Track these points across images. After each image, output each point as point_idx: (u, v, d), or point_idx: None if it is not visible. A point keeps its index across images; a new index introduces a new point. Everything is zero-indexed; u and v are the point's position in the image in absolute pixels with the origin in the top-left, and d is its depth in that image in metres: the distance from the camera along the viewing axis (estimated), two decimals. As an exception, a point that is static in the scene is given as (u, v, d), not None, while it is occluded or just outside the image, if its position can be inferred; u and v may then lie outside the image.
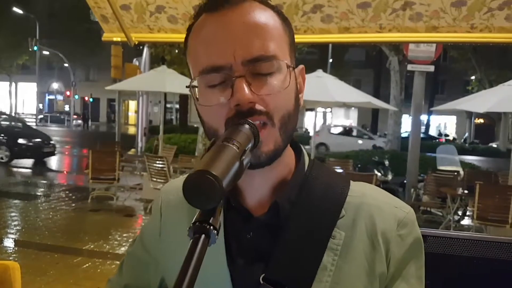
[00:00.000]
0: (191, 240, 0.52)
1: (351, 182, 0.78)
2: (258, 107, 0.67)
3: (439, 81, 35.40)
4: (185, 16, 3.27)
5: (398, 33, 2.88)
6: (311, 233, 0.71)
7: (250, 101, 0.66)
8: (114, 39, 3.78)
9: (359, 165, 9.50)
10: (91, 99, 42.24)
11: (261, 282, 0.69)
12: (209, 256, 0.52)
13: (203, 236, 0.52)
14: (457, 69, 28.80)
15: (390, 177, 8.77)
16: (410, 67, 8.56)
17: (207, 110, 0.70)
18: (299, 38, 3.05)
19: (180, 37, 3.73)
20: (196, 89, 0.72)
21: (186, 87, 0.73)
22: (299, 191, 0.75)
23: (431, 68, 8.28)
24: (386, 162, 9.24)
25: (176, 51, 15.12)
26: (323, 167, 0.80)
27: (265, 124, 0.67)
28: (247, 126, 0.63)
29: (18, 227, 6.61)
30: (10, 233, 6.27)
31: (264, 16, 0.69)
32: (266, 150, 0.68)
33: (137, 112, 18.50)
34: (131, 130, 30.35)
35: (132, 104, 37.82)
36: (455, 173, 7.81)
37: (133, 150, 16.45)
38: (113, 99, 42.41)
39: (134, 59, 18.37)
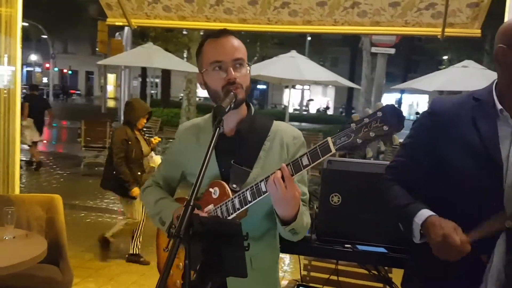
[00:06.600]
0: (214, 128, 1.27)
1: (274, 120, 1.62)
2: (238, 81, 1.45)
3: (414, 60, 36.49)
4: (177, 7, 3.99)
5: (349, 26, 3.70)
6: (254, 143, 1.55)
7: (235, 78, 1.45)
8: (117, 23, 4.49)
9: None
10: (69, 72, 41.89)
11: (232, 163, 1.51)
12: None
13: (219, 128, 1.28)
14: (430, 49, 29.79)
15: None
16: (373, 49, 9.42)
17: (213, 81, 1.48)
18: (271, 28, 3.83)
19: (172, 23, 4.49)
20: (204, 72, 1.50)
21: (199, 72, 1.54)
22: (249, 124, 1.57)
23: (392, 51, 9.15)
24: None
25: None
26: (261, 114, 1.66)
27: (239, 88, 1.45)
28: (232, 93, 1.42)
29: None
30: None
31: (239, 43, 1.51)
32: (238, 99, 1.46)
33: (119, 85, 18.81)
34: (110, 103, 30.45)
35: (111, 78, 37.69)
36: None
37: (115, 122, 16.86)
38: (91, 71, 42.15)
39: (117, 33, 18.60)
